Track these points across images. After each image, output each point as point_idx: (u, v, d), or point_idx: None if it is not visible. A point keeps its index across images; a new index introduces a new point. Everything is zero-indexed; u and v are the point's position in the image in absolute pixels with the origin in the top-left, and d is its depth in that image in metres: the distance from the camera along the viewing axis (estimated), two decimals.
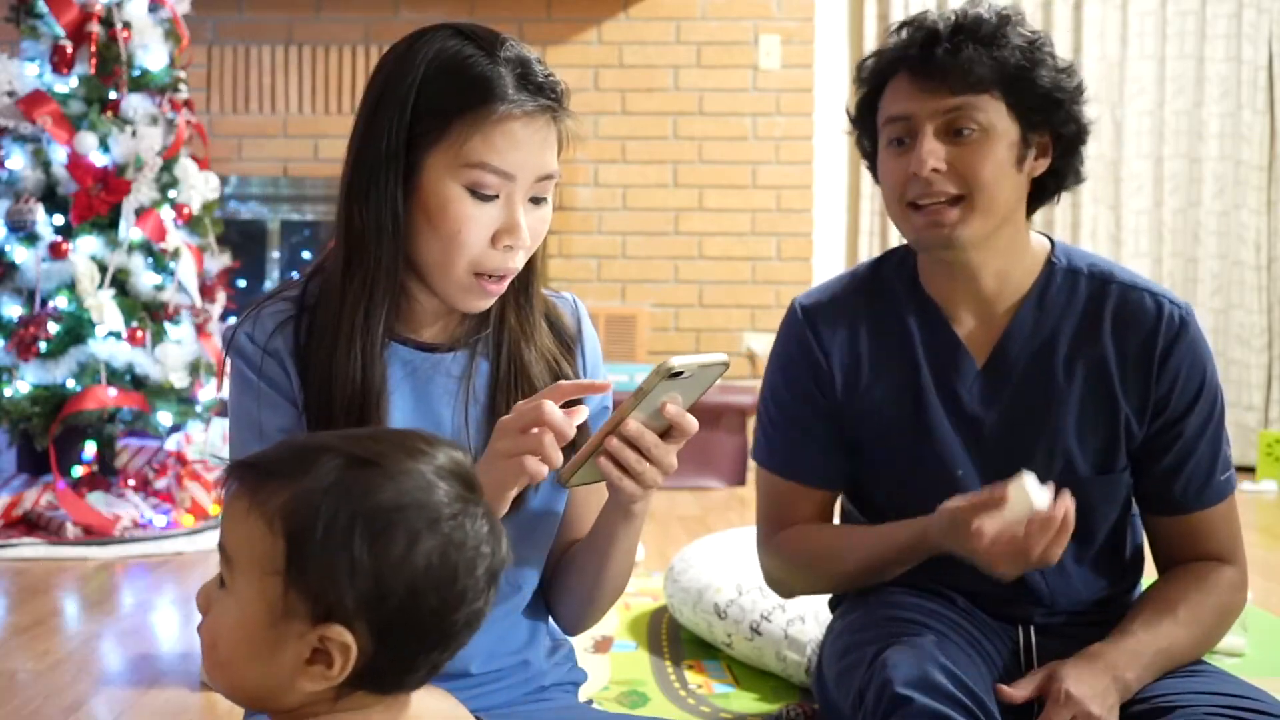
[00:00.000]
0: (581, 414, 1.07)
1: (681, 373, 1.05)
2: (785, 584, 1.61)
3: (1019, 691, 1.31)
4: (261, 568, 0.80)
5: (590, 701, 1.62)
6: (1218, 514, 1.45)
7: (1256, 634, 2.33)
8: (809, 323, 1.54)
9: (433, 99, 1.10)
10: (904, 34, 1.43)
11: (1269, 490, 4.45)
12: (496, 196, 1.11)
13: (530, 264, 1.21)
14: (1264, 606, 2.61)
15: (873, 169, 1.50)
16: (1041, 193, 1.46)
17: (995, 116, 1.37)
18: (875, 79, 1.45)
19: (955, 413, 1.47)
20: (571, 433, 1.06)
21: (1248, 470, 4.82)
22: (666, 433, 1.10)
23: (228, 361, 1.20)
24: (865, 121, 1.48)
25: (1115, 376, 1.42)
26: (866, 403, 1.52)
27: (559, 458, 1.05)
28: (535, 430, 1.04)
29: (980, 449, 1.46)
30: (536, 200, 1.14)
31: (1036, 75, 1.38)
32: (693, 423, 1.10)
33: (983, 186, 1.37)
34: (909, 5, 4.91)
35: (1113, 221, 4.96)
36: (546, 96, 1.12)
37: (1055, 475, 1.43)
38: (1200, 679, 1.33)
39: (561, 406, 1.06)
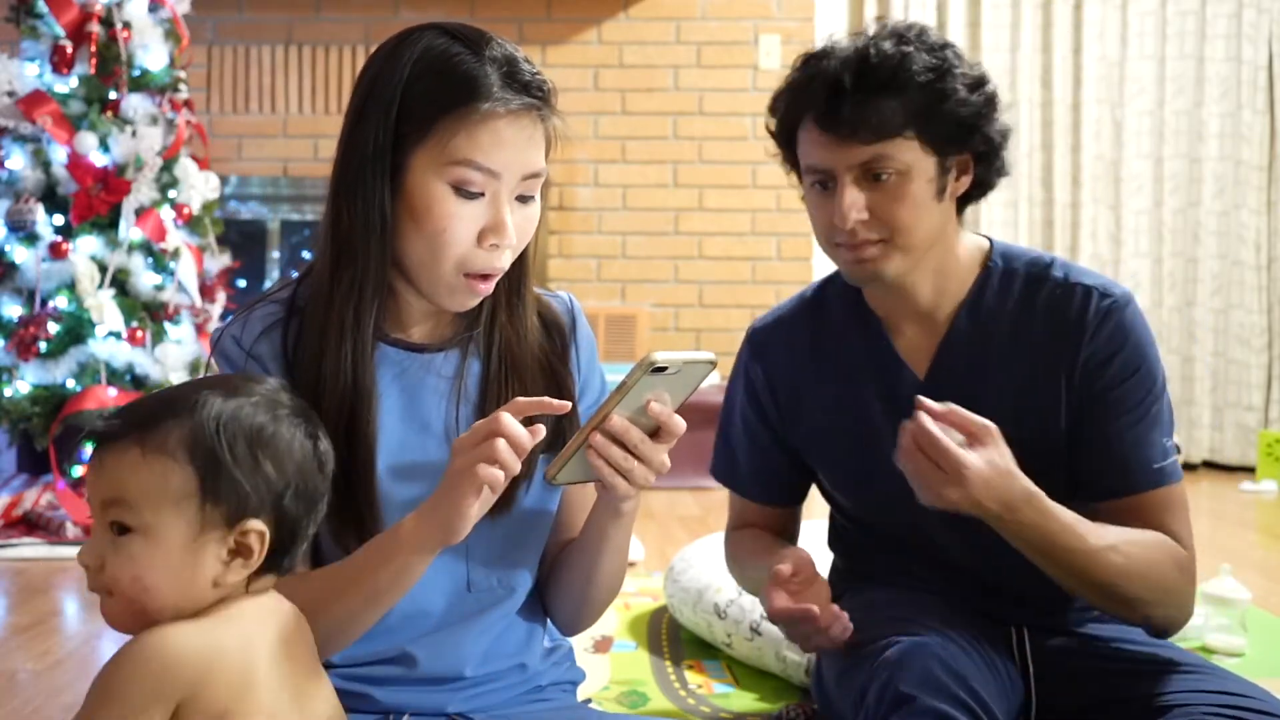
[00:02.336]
0: (540, 432, 1.05)
1: (666, 368, 1.04)
2: (733, 577, 1.72)
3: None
4: (174, 496, 0.95)
5: (589, 701, 1.63)
6: (1153, 501, 1.40)
7: (1256, 634, 2.33)
8: (754, 349, 1.62)
9: (418, 98, 1.10)
10: (808, 76, 1.41)
11: (1269, 490, 4.45)
12: (482, 195, 1.11)
13: (522, 263, 1.21)
14: (1264, 606, 2.61)
15: (801, 183, 1.51)
16: (968, 199, 1.47)
17: (911, 156, 1.37)
18: (787, 123, 1.45)
19: (899, 423, 1.48)
20: (530, 441, 1.04)
21: (1248, 470, 4.82)
22: (656, 432, 1.09)
23: (211, 362, 1.20)
24: (787, 148, 1.49)
25: (1050, 374, 1.43)
26: (812, 421, 1.56)
27: (516, 465, 1.03)
28: (489, 440, 1.03)
29: None
30: (524, 199, 1.14)
31: (946, 107, 1.37)
32: (679, 423, 1.09)
33: (903, 230, 1.39)
34: (909, 5, 4.91)
35: (1113, 221, 4.96)
36: (532, 95, 1.12)
37: None
38: (1199, 678, 1.33)
39: (524, 423, 1.05)
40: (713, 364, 1.08)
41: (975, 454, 1.25)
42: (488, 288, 1.15)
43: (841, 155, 1.37)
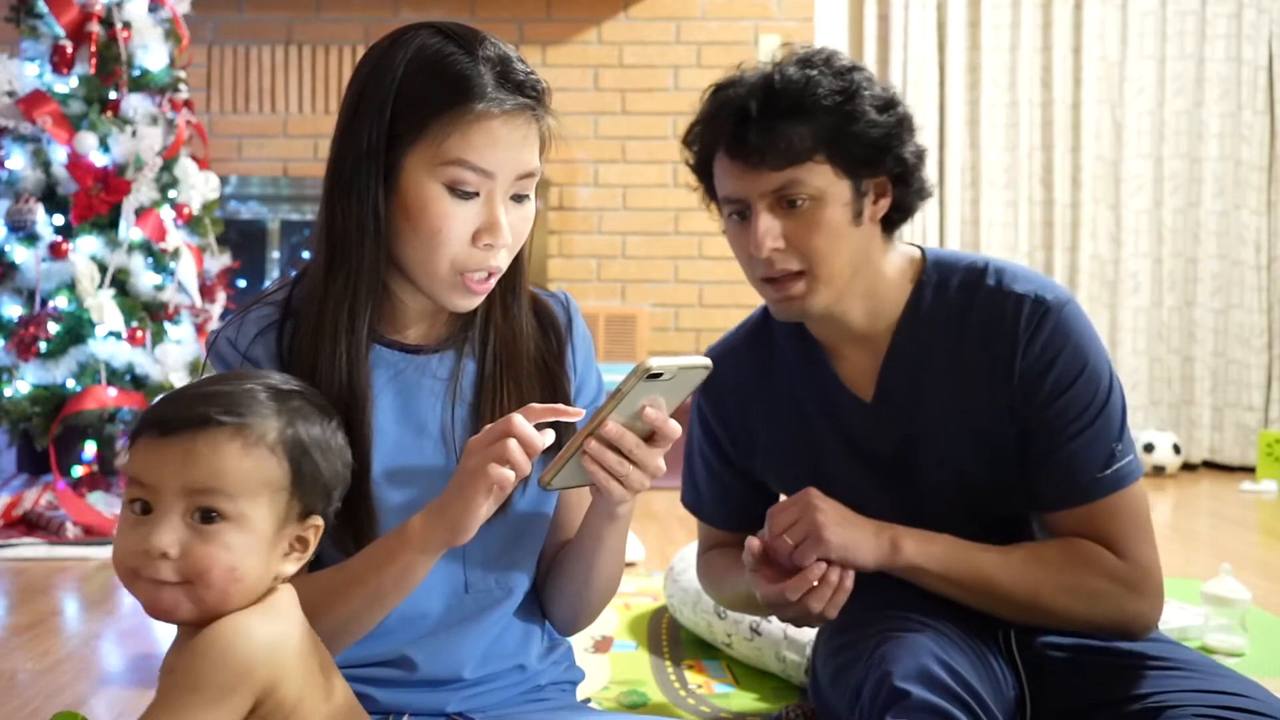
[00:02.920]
0: (550, 436, 1.07)
1: (661, 374, 1.04)
2: (710, 596, 1.74)
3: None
4: (271, 489, 0.97)
5: (589, 701, 1.63)
6: (1100, 509, 1.40)
7: (1256, 634, 2.33)
8: (705, 381, 1.60)
9: (412, 98, 1.10)
10: (716, 106, 1.40)
11: (1269, 490, 4.45)
12: (476, 195, 1.11)
13: (517, 263, 1.20)
14: (1264, 606, 2.61)
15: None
16: (890, 222, 1.45)
17: (824, 181, 1.36)
18: (702, 156, 1.44)
19: (851, 447, 1.49)
20: (541, 444, 1.05)
21: (1248, 470, 4.82)
22: (651, 436, 1.09)
23: (207, 364, 1.20)
24: (706, 180, 1.48)
25: (989, 387, 1.41)
26: (767, 449, 1.57)
27: (527, 465, 1.05)
28: (502, 440, 1.05)
29: (881, 476, 1.48)
30: (519, 198, 1.14)
31: (855, 129, 1.36)
32: (674, 428, 1.09)
33: (821, 259, 1.37)
34: (909, 5, 4.91)
35: (1113, 221, 4.96)
36: (526, 95, 1.12)
37: (953, 492, 1.45)
38: (1193, 678, 1.33)
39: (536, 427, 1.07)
40: (708, 369, 1.08)
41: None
42: (487, 287, 1.15)
43: (753, 183, 1.37)
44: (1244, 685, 1.32)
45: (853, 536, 1.36)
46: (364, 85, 1.13)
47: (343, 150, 1.13)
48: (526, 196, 1.15)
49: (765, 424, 1.56)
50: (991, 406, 1.41)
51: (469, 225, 1.11)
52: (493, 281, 1.15)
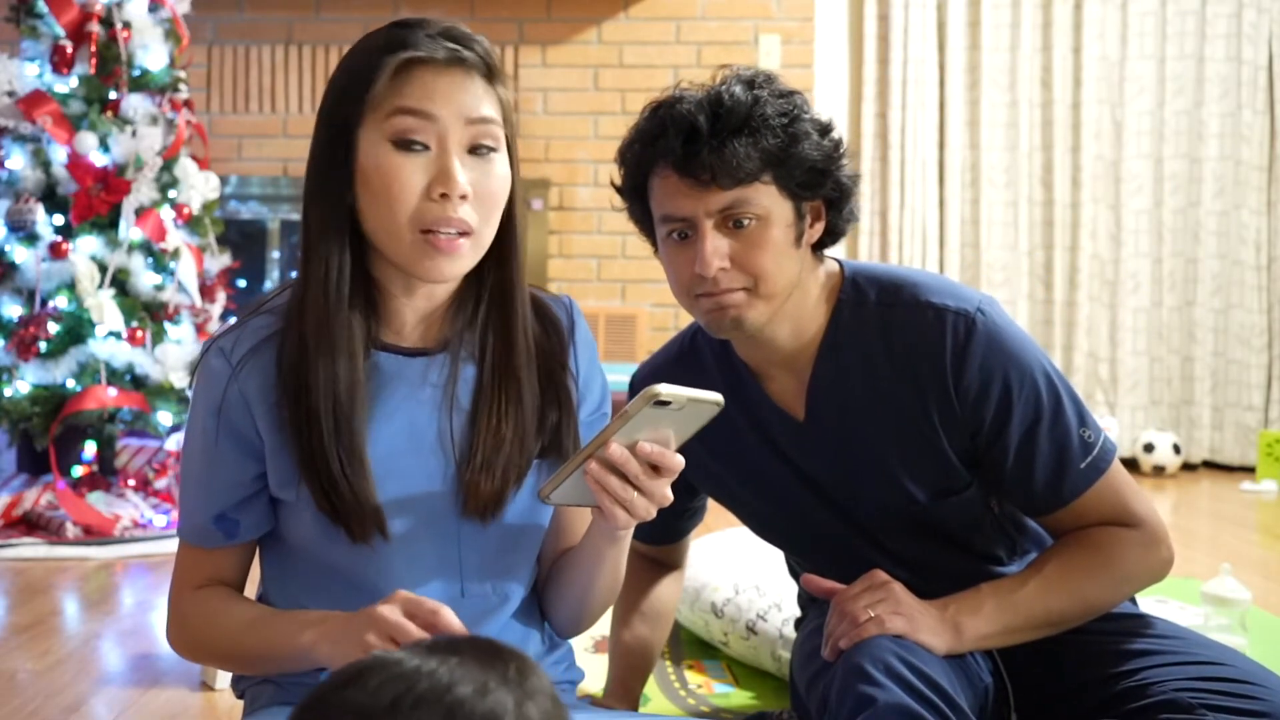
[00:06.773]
0: (454, 625, 1.03)
1: (669, 403, 1.02)
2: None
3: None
4: None
5: (589, 700, 1.62)
6: (1092, 499, 1.40)
7: (1257, 634, 2.33)
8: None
9: (355, 77, 1.11)
10: (659, 122, 1.37)
11: (1269, 490, 4.45)
12: (428, 148, 1.10)
13: (511, 260, 1.19)
14: (1264, 606, 2.61)
15: (650, 240, 1.48)
16: (820, 245, 1.45)
17: (770, 201, 1.35)
18: (639, 173, 1.41)
19: (791, 469, 1.48)
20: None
21: (1248, 470, 4.82)
22: (655, 467, 1.08)
23: (194, 377, 1.19)
24: (636, 202, 1.45)
25: (920, 404, 1.40)
26: (703, 469, 1.55)
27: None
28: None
29: (825, 496, 1.47)
30: (479, 151, 1.12)
31: (800, 151, 1.35)
32: (675, 461, 1.08)
33: (767, 277, 1.36)
34: (909, 5, 4.91)
35: (1113, 221, 4.96)
36: (462, 48, 1.11)
37: (898, 507, 1.44)
38: (1175, 653, 1.35)
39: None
40: (719, 405, 1.06)
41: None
42: (457, 246, 1.11)
43: (701, 201, 1.34)
44: (1223, 654, 1.34)
45: (916, 625, 1.33)
46: (327, 92, 1.15)
47: (314, 153, 1.14)
48: (490, 150, 1.13)
49: (698, 443, 1.54)
50: (927, 424, 1.40)
51: (420, 178, 1.10)
52: (464, 242, 1.11)
